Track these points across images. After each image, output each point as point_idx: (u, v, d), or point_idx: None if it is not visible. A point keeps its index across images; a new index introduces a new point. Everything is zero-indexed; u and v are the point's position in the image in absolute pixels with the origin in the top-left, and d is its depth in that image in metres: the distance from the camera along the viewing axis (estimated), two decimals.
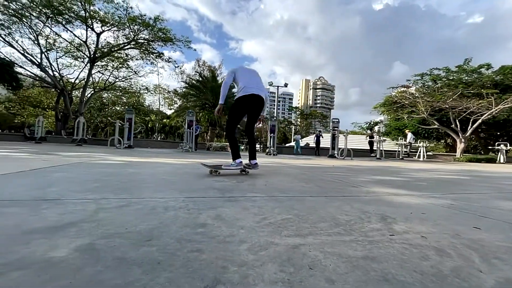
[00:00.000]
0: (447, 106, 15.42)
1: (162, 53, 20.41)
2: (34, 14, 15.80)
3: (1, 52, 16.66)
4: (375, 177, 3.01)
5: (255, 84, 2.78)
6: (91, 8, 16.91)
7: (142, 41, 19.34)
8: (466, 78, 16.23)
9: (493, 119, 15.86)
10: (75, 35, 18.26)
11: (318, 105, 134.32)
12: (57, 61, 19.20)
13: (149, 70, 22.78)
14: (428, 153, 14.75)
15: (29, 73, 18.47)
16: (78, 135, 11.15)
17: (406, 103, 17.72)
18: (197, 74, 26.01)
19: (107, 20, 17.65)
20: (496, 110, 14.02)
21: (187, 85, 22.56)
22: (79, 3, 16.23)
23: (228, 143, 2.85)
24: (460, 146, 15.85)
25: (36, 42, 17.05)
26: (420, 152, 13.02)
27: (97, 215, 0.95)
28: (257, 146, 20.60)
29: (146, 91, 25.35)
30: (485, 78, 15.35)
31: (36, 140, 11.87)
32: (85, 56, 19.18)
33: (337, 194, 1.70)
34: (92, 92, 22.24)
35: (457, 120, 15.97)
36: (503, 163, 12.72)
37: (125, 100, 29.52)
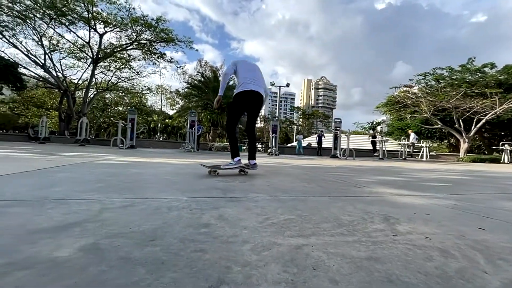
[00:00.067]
0: (451, 105, 15.30)
1: (164, 54, 20.52)
2: (38, 15, 15.94)
3: (6, 54, 16.84)
4: (378, 177, 3.00)
5: (254, 80, 2.74)
6: (94, 9, 17.04)
7: (145, 41, 19.44)
8: (470, 77, 16.10)
9: (497, 119, 15.70)
10: (78, 36, 18.42)
11: (320, 105, 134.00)
12: (60, 62, 19.38)
13: (151, 70, 22.91)
14: (431, 153, 14.64)
15: (33, 74, 18.65)
16: (81, 136, 11.22)
17: (408, 103, 17.61)
18: (199, 74, 26.08)
19: (109, 21, 17.77)
20: (500, 109, 13.87)
21: (189, 86, 22.64)
22: (82, 4, 16.36)
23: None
24: (463, 146, 15.72)
25: (39, 43, 17.22)
26: (423, 152, 12.93)
27: (101, 215, 0.96)
28: (259, 146, 20.62)
29: (149, 92, 25.46)
30: (489, 77, 15.22)
31: (40, 141, 11.97)
32: (88, 57, 19.32)
33: (340, 194, 1.69)
34: (95, 92, 22.39)
35: (460, 120, 15.84)
36: (507, 163, 12.59)
37: (127, 101, 29.68)
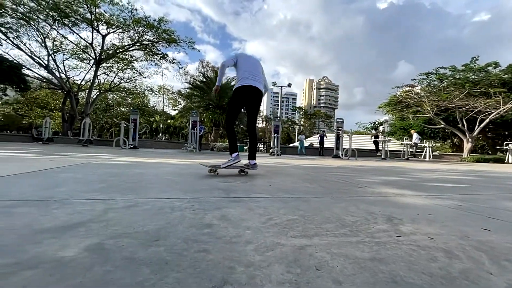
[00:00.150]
0: (454, 105, 15.20)
1: (166, 54, 20.62)
2: (42, 17, 16.09)
3: (10, 55, 17.01)
4: (381, 178, 2.99)
5: (254, 75, 2.71)
6: (97, 10, 17.16)
7: (147, 42, 19.55)
8: (473, 77, 15.99)
9: (501, 119, 15.58)
10: (81, 37, 18.56)
11: (322, 105, 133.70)
12: (63, 63, 19.54)
13: (153, 71, 23.07)
14: (434, 153, 14.56)
15: (36, 75, 18.83)
16: (84, 136, 11.30)
17: (411, 102, 17.53)
18: (201, 74, 26.18)
19: (112, 22, 17.89)
20: (504, 109, 13.76)
21: (191, 86, 22.71)
22: (85, 6, 16.48)
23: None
24: (467, 146, 15.62)
25: (43, 44, 17.38)
26: (426, 152, 12.86)
27: (105, 215, 0.97)
28: (261, 146, 20.60)
29: (151, 92, 25.57)
30: (493, 76, 15.10)
31: (44, 141, 12.07)
32: (91, 58, 19.47)
33: (343, 194, 1.69)
34: (98, 93, 22.54)
35: (464, 120, 15.74)
36: (511, 163, 12.48)
37: (130, 101, 29.83)
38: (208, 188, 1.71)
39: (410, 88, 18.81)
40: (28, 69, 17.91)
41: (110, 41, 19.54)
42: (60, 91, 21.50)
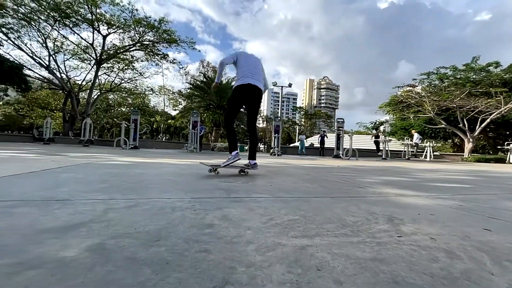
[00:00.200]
0: (455, 105, 15.18)
1: (167, 55, 20.65)
2: (42, 17, 16.13)
3: (11, 55, 17.07)
4: (381, 178, 2.98)
5: (254, 74, 2.70)
6: (98, 11, 17.20)
7: (147, 42, 19.58)
8: (474, 76, 15.94)
9: (502, 118, 15.54)
10: (82, 38, 18.60)
11: (322, 105, 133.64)
12: (64, 64, 19.60)
13: (154, 71, 23.16)
14: (435, 153, 14.54)
15: (37, 76, 18.88)
16: (85, 136, 11.32)
17: (412, 102, 17.50)
18: (201, 75, 26.20)
19: (113, 22, 17.92)
20: (505, 109, 13.73)
21: (191, 86, 22.73)
22: (86, 6, 16.51)
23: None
24: (468, 146, 15.58)
25: (44, 45, 17.42)
26: (426, 152, 12.83)
27: (106, 215, 0.97)
28: (261, 146, 20.58)
29: (151, 92, 25.61)
30: (494, 76, 15.05)
31: (45, 141, 12.09)
32: (92, 58, 19.52)
33: (343, 194, 1.69)
34: (99, 93, 22.58)
35: (465, 120, 15.70)
36: None
37: (130, 101, 29.90)
38: (209, 188, 1.71)
39: (411, 88, 18.78)
40: (29, 69, 17.96)
41: (111, 42, 19.61)
42: (61, 92, 21.55)
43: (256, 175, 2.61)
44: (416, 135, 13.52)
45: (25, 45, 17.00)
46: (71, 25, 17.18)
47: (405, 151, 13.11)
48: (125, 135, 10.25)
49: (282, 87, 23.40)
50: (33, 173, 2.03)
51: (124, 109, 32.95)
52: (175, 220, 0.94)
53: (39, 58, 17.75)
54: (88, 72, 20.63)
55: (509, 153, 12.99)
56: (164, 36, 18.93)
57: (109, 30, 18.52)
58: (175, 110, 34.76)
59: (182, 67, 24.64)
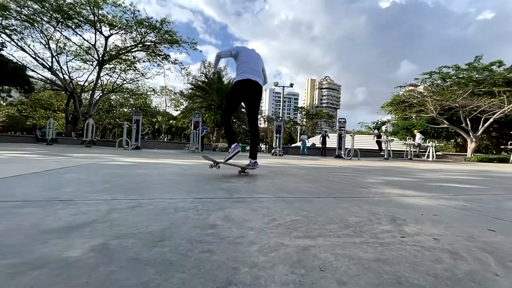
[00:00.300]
0: (457, 104, 15.08)
1: (169, 55, 20.72)
2: (45, 19, 16.26)
3: (14, 57, 17.20)
4: (384, 178, 2.97)
5: (254, 69, 2.68)
6: (100, 12, 17.30)
7: (149, 43, 19.65)
8: (477, 76, 15.83)
9: (506, 118, 15.41)
10: (84, 39, 18.73)
11: (324, 105, 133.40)
12: (67, 65, 19.75)
13: (155, 72, 23.21)
14: (437, 153, 14.44)
15: (40, 77, 19.03)
16: (88, 137, 11.38)
17: (414, 102, 17.42)
18: (203, 75, 26.22)
19: (115, 23, 18.02)
20: (509, 108, 13.62)
21: (193, 87, 22.78)
22: (88, 8, 16.61)
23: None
24: (471, 145, 15.48)
25: (47, 46, 17.55)
26: (429, 152, 12.76)
27: (109, 216, 0.97)
28: (263, 146, 20.58)
29: (153, 93, 25.73)
30: (497, 75, 14.93)
31: (47, 142, 12.16)
32: (94, 59, 19.63)
33: (345, 195, 1.68)
34: (101, 94, 22.72)
35: (467, 119, 15.60)
36: None
37: (132, 102, 30.02)
38: (211, 188, 1.71)
39: (413, 87, 18.69)
40: (32, 70, 18.12)
41: (113, 42, 19.71)
42: (63, 92, 21.71)
43: (258, 175, 2.61)
44: (418, 135, 13.46)
45: (28, 46, 17.16)
46: (73, 27, 17.30)
47: (407, 151, 13.05)
48: (127, 135, 10.29)
49: (283, 87, 23.38)
50: (36, 174, 2.04)
51: (126, 110, 33.09)
52: (178, 221, 0.95)
53: (42, 59, 17.90)
54: (91, 73, 20.77)
55: None
56: (166, 36, 19.01)
57: (111, 31, 18.62)
58: (177, 110, 34.89)
59: (184, 68, 24.73)
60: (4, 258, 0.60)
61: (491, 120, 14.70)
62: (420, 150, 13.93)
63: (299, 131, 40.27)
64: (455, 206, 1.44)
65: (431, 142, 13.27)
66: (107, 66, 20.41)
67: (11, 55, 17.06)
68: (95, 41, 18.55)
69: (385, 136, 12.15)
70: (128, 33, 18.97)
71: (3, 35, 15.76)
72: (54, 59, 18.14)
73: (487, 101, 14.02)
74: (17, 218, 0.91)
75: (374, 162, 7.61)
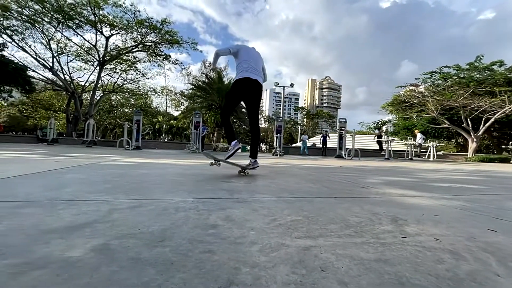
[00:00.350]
0: (458, 104, 15.05)
1: (169, 55, 20.76)
2: (46, 19, 16.31)
3: (15, 57, 17.27)
4: (384, 178, 2.97)
5: (254, 68, 2.68)
6: (100, 12, 17.33)
7: (150, 43, 19.69)
8: (478, 75, 15.81)
9: (507, 118, 15.37)
10: (85, 39, 18.79)
11: (324, 105, 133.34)
12: (68, 65, 19.81)
13: (156, 72, 23.14)
14: (438, 153, 14.42)
15: (41, 77, 19.09)
16: (88, 137, 11.39)
17: (415, 102, 17.39)
18: (203, 75, 26.21)
19: (115, 24, 18.06)
20: (510, 108, 13.59)
21: (193, 87, 22.79)
22: (89, 8, 16.65)
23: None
24: (472, 145, 15.44)
25: (48, 46, 17.60)
26: (430, 152, 12.74)
27: (110, 216, 0.97)
28: (263, 146, 20.57)
29: (154, 93, 25.78)
30: (498, 75, 14.90)
31: (48, 142, 12.19)
32: (95, 60, 19.68)
33: (346, 195, 1.68)
34: (101, 94, 22.77)
35: (468, 119, 15.56)
36: None
37: (133, 102, 30.10)
38: (212, 188, 1.71)
39: (414, 87, 18.66)
40: (33, 71, 18.19)
41: (114, 43, 19.76)
42: (64, 93, 21.77)
43: (259, 176, 2.61)
44: (419, 135, 13.43)
45: (29, 47, 17.22)
46: (74, 27, 17.35)
47: (408, 151, 13.03)
48: (128, 135, 10.30)
49: (284, 87, 23.38)
50: (38, 174, 2.05)
51: (126, 110, 33.17)
52: (178, 221, 0.95)
53: (43, 59, 17.97)
54: (91, 73, 20.83)
55: None
56: (166, 37, 19.05)
57: (111, 32, 18.66)
58: (177, 110, 34.93)
59: (184, 68, 24.78)
60: (5, 258, 0.60)
61: (492, 120, 14.67)
62: (421, 150, 13.90)
63: (299, 131, 40.24)
64: (456, 206, 1.44)
65: (432, 142, 13.25)
66: (107, 66, 20.46)
67: (12, 55, 17.16)
68: (96, 42, 18.61)
69: (385, 136, 12.13)
70: (129, 34, 19.02)
71: (4, 36, 15.83)
72: (55, 59, 18.20)
73: (488, 101, 13.99)
74: (18, 218, 0.91)
75: (374, 162, 7.60)
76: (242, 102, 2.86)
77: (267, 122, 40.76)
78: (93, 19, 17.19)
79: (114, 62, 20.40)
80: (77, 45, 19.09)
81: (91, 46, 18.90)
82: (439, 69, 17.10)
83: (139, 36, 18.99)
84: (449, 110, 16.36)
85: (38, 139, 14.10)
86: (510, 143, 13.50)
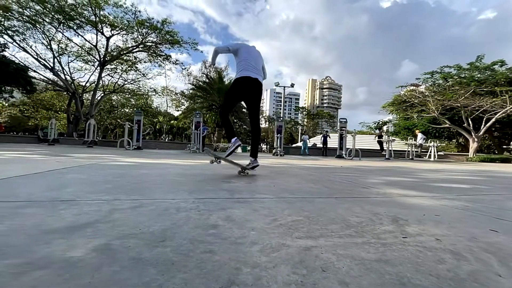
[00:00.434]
0: (459, 104, 15.03)
1: (170, 56, 20.80)
2: (47, 20, 16.35)
3: (16, 58, 17.32)
4: (385, 178, 2.96)
5: (254, 67, 2.68)
6: (101, 13, 17.36)
7: (150, 44, 19.72)
8: (479, 75, 15.77)
9: (508, 118, 15.34)
10: (86, 40, 18.84)
11: (325, 105, 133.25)
12: (68, 65, 19.86)
13: (157, 72, 23.16)
14: (439, 153, 14.39)
15: (42, 77, 19.14)
16: (89, 137, 11.42)
17: (415, 102, 17.37)
18: (204, 75, 26.23)
19: (116, 24, 18.10)
20: (511, 108, 13.55)
21: (194, 87, 22.81)
22: (90, 9, 16.69)
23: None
24: (473, 145, 15.41)
25: (49, 47, 17.66)
26: (431, 152, 12.72)
27: (111, 216, 0.98)
28: (264, 147, 20.57)
29: (154, 93, 25.81)
30: (499, 75, 14.86)
31: (49, 142, 12.22)
32: (95, 60, 19.73)
33: (347, 195, 1.68)
34: (102, 94, 22.80)
35: (469, 119, 15.53)
36: None
37: (133, 102, 30.14)
38: (213, 188, 1.71)
39: (414, 87, 18.64)
40: (34, 71, 18.23)
41: (114, 43, 19.81)
42: (65, 93, 21.81)
43: (259, 176, 2.61)
44: (420, 135, 13.42)
45: (30, 47, 17.27)
46: (75, 27, 17.39)
47: (408, 151, 13.01)
48: (129, 135, 10.32)
49: (284, 87, 23.38)
50: (39, 174, 2.05)
51: (127, 110, 33.22)
52: (179, 221, 0.95)
53: (44, 60, 18.01)
54: (92, 74, 20.88)
55: None
56: (167, 37, 19.08)
57: (112, 32, 18.70)
58: (178, 110, 34.97)
59: (185, 68, 24.82)
60: (7, 258, 0.61)
61: (493, 120, 14.64)
62: (422, 150, 13.88)
63: (300, 131, 40.25)
64: (457, 207, 1.44)
65: (432, 142, 13.22)
66: (108, 66, 20.50)
67: (13, 56, 17.21)
68: (97, 42, 18.65)
69: (386, 136, 12.12)
70: (129, 34, 19.06)
71: (6, 36, 15.87)
72: (56, 59, 18.25)
73: (489, 101, 13.96)
74: (20, 218, 0.91)
75: (375, 162, 7.60)
76: (242, 102, 2.86)
77: (267, 122, 40.78)
78: (94, 19, 17.23)
79: (114, 62, 20.44)
80: (78, 45, 19.15)
81: (92, 46, 18.95)
82: (439, 69, 17.08)
83: (139, 37, 19.03)
84: (450, 110, 16.33)
85: (39, 139, 14.14)
86: (511, 143, 13.45)
